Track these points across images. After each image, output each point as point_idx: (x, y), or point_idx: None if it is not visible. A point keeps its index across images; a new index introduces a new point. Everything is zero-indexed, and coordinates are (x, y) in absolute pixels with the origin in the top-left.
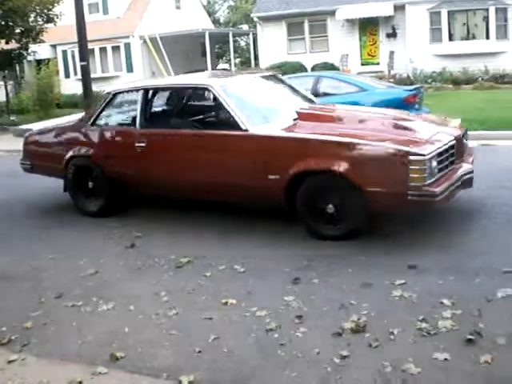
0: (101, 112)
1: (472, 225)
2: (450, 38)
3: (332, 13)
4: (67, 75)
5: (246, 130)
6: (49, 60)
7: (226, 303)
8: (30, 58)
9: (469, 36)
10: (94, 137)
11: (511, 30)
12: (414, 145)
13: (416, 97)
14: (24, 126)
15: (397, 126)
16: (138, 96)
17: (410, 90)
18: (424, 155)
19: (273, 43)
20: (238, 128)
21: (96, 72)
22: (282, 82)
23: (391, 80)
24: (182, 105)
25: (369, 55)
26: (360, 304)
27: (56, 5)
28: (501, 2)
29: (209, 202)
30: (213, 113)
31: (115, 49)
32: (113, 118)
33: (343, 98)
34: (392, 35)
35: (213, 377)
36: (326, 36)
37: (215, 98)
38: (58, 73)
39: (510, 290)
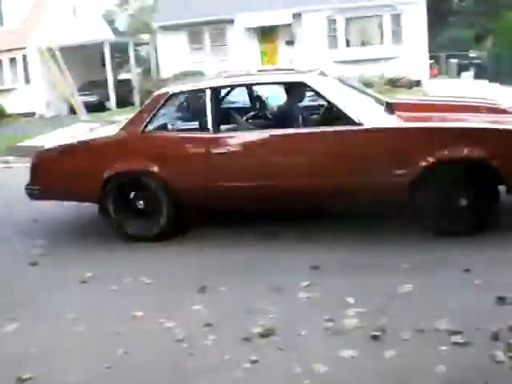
0: (153, 117)
1: (372, 223)
2: (347, 44)
3: (231, 21)
4: None
5: (361, 124)
6: None
7: (133, 316)
8: None
9: (365, 42)
10: (149, 146)
11: (404, 35)
12: None
13: None
14: (24, 144)
15: (500, 111)
16: (207, 96)
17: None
18: None
19: (174, 52)
20: (352, 123)
21: None
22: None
23: None
24: (272, 103)
25: (269, 63)
26: (267, 308)
27: None
28: (395, 9)
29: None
30: (313, 109)
31: (12, 60)
32: (169, 122)
33: None
34: (291, 43)
35: None
36: (226, 45)
37: (315, 94)
38: None
39: (410, 286)
